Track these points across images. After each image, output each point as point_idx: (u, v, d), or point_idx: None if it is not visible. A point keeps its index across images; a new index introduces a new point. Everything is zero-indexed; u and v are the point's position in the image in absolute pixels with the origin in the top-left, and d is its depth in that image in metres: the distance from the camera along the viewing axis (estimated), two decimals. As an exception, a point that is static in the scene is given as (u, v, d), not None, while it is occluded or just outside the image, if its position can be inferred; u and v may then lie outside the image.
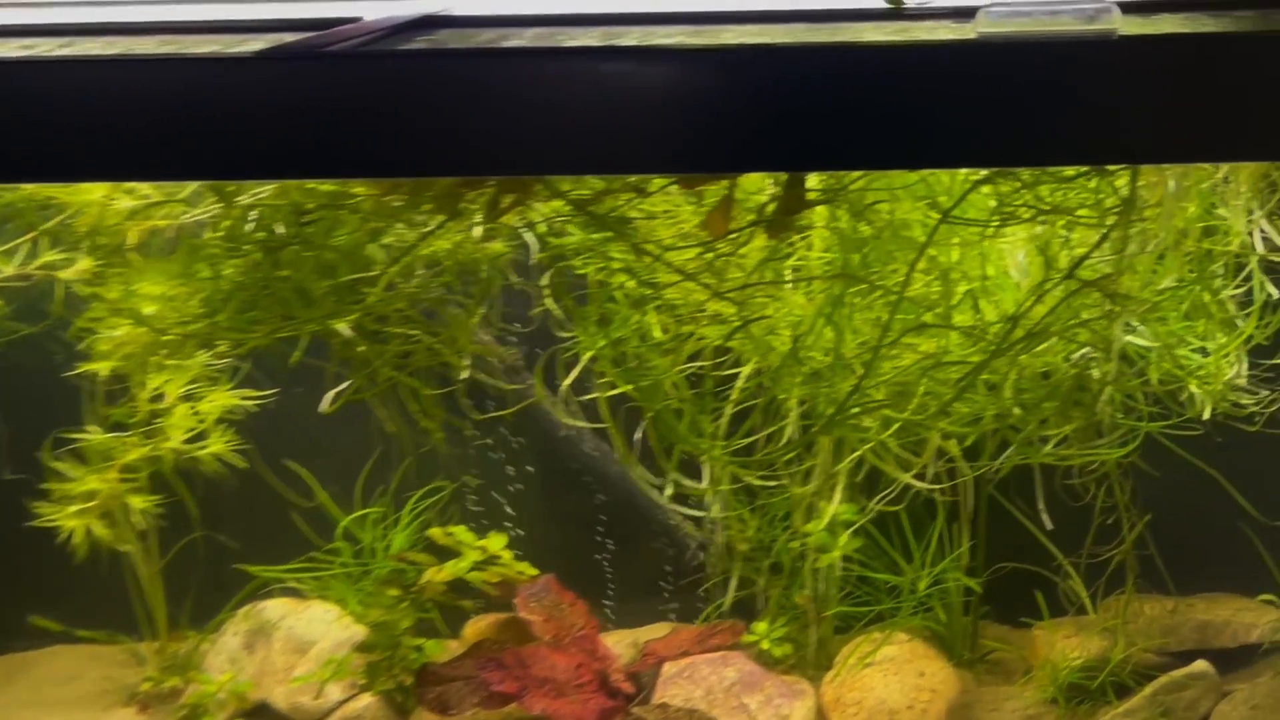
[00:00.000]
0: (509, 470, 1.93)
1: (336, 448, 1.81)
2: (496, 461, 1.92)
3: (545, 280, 1.56)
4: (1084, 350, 1.45)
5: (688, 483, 1.52)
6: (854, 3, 1.40)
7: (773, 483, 1.55)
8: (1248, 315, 1.61)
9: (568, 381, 1.56)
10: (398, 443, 1.64)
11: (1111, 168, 1.36)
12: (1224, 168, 1.66)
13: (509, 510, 1.97)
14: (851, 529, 1.76)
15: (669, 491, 1.52)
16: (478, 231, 1.47)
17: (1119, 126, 1.24)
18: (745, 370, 1.52)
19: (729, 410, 1.56)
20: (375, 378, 1.38)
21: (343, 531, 1.87)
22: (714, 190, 1.45)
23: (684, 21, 1.40)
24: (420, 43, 1.30)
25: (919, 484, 1.56)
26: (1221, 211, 1.56)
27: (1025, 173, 1.38)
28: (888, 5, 1.43)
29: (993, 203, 1.46)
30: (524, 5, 1.37)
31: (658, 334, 1.55)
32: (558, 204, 1.33)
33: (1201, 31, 1.29)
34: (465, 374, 1.49)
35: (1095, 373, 1.47)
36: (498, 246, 1.52)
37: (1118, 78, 1.25)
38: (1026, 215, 1.36)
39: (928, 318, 1.39)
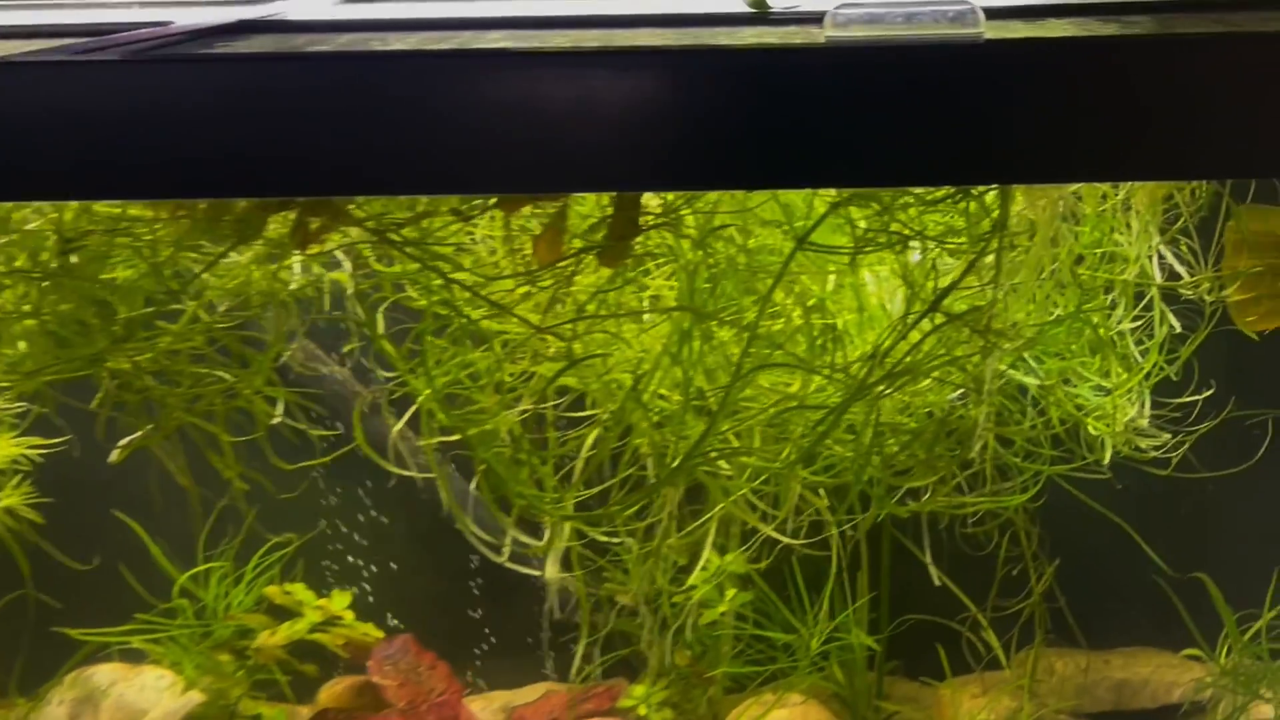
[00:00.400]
0: (366, 520, 1.79)
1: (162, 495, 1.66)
2: (353, 510, 1.78)
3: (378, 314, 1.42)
4: (958, 391, 1.31)
5: (525, 539, 1.37)
6: (714, 7, 1.29)
7: (616, 539, 1.40)
8: (1147, 350, 1.48)
9: (397, 427, 1.41)
10: (235, 496, 1.49)
11: (978, 189, 1.23)
12: (1124, 189, 1.53)
13: (370, 563, 1.83)
14: (719, 579, 1.62)
15: (506, 552, 1.37)
16: (290, 259, 1.32)
17: (984, 142, 1.11)
18: (602, 414, 1.37)
19: (584, 453, 1.41)
20: (162, 424, 1.23)
21: (179, 590, 1.71)
22: (544, 214, 1.31)
23: (517, 26, 1.27)
24: (221, 48, 1.17)
25: (785, 538, 1.42)
26: (1118, 237, 1.43)
27: (886, 194, 1.24)
28: (750, 10, 1.31)
29: (863, 226, 1.33)
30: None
31: (505, 373, 1.41)
32: (357, 230, 1.19)
33: (1081, 35, 1.16)
34: (277, 419, 1.34)
35: (977, 414, 1.33)
36: (330, 273, 1.38)
37: (982, 87, 1.11)
38: (886, 240, 1.22)
39: (779, 356, 1.25)
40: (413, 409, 1.39)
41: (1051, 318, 1.40)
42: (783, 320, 1.31)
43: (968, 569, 1.77)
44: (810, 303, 1.37)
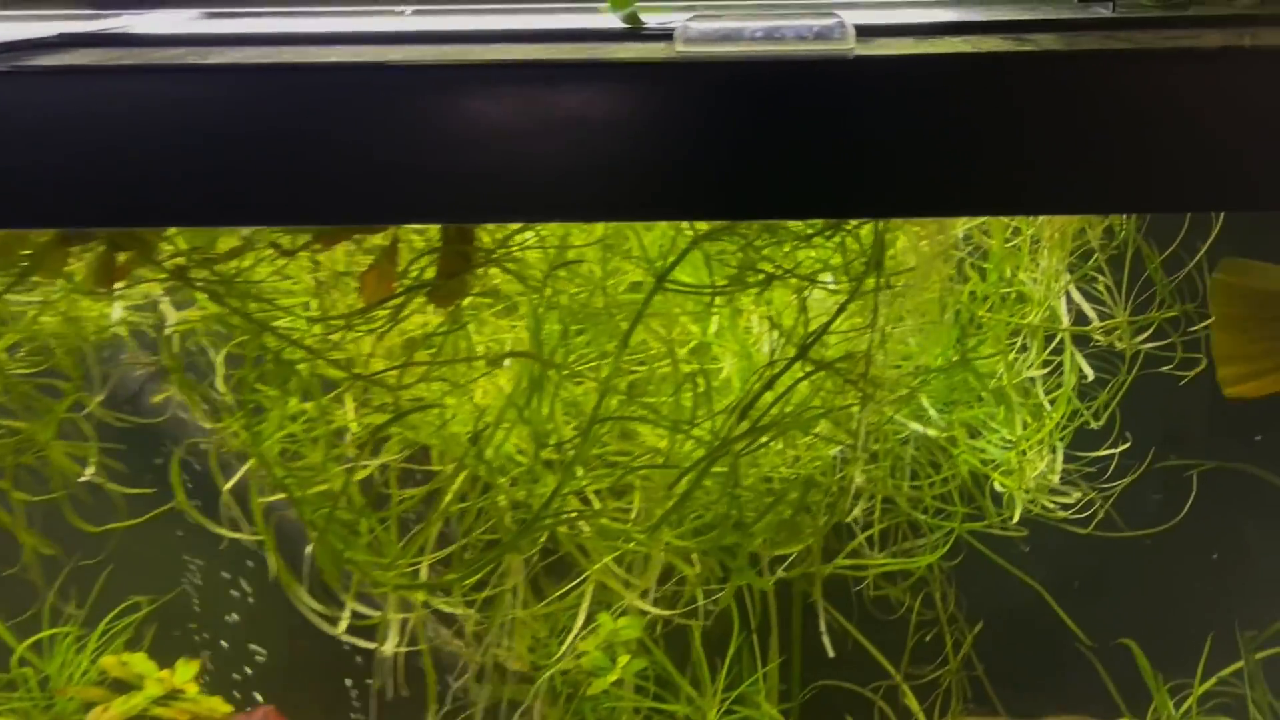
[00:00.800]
0: (229, 580, 1.66)
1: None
2: (214, 570, 1.65)
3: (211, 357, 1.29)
4: (840, 447, 1.19)
5: (364, 609, 1.24)
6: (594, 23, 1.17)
7: (460, 610, 1.27)
8: (1056, 400, 1.35)
9: (228, 486, 1.28)
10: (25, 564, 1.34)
11: (851, 223, 1.11)
12: (1033, 223, 1.41)
13: (230, 626, 1.69)
14: (610, 645, 1.48)
15: (343, 625, 1.24)
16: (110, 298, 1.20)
17: (851, 170, 0.99)
18: (444, 470, 1.24)
19: (438, 512, 1.28)
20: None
21: (19, 659, 1.57)
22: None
23: (368, 42, 1.15)
24: (35, 61, 1.05)
25: (652, 608, 1.29)
26: (1023, 275, 1.31)
27: (744, 227, 1.12)
28: (623, 26, 1.20)
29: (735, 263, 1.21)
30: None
31: (352, 425, 1.28)
32: (152, 268, 1.06)
33: (963, 51, 1.03)
34: (87, 476, 1.21)
35: (852, 470, 1.20)
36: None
37: (849, 109, 0.99)
38: (752, 279, 1.09)
39: (637, 409, 1.12)
40: (245, 467, 1.25)
41: (953, 362, 1.28)
42: (646, 367, 1.18)
43: (883, 634, 1.65)
44: (685, 349, 1.24)
